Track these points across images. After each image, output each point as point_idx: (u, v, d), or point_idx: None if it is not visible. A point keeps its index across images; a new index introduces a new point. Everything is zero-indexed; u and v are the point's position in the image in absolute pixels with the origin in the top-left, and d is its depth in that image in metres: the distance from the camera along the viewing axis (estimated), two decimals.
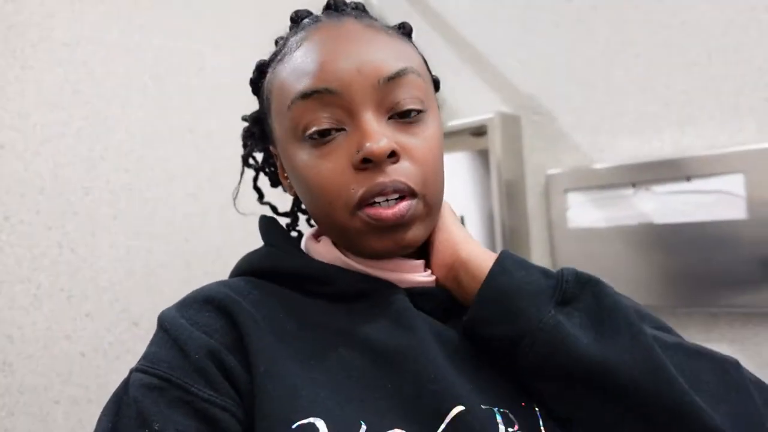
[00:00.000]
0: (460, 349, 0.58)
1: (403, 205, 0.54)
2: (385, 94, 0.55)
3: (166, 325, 0.54)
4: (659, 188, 1.29)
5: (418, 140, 0.57)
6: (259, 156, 0.74)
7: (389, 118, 0.56)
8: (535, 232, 1.53)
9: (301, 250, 0.65)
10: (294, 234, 0.74)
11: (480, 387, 0.55)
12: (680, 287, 1.28)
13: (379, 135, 0.53)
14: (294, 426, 0.47)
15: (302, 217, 0.76)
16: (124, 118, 1.20)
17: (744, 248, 1.19)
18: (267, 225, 0.67)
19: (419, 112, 0.57)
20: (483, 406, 0.52)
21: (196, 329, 0.52)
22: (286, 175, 0.64)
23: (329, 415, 0.48)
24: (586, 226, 1.40)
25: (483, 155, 1.50)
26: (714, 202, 1.23)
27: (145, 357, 0.52)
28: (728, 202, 1.21)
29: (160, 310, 0.56)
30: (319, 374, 0.52)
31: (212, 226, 1.31)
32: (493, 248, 1.35)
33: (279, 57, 0.61)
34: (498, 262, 0.56)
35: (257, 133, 0.70)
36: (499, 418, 0.52)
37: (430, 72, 0.63)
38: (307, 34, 0.59)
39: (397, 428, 0.49)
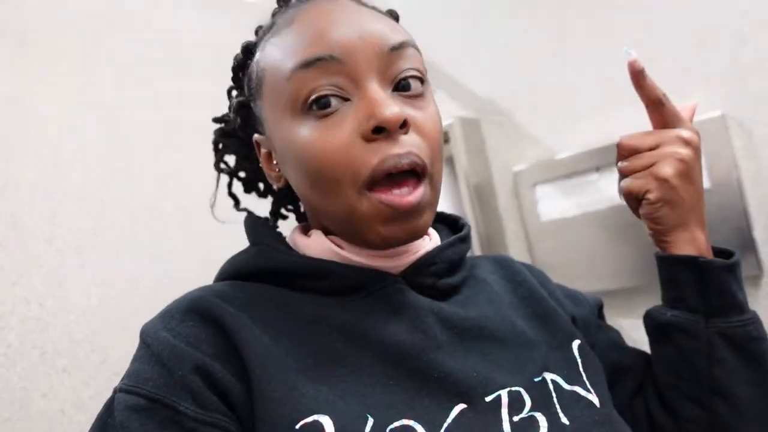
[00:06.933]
0: (465, 329, 0.56)
1: (419, 192, 0.52)
2: (389, 64, 0.54)
3: (148, 339, 0.51)
4: None
5: (424, 114, 0.55)
6: (231, 161, 0.72)
7: (393, 91, 0.54)
8: (510, 231, 1.53)
9: (290, 246, 0.62)
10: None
11: (488, 370, 0.53)
12: None
13: (390, 102, 0.52)
14: (298, 426, 0.45)
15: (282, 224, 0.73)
16: (80, 163, 1.17)
17: (714, 217, 1.20)
18: (253, 223, 0.64)
19: (422, 82, 0.56)
20: (488, 398, 0.51)
21: (180, 342, 0.50)
22: (275, 162, 0.61)
23: (334, 411, 0.47)
24: (558, 217, 1.41)
25: (448, 163, 1.50)
26: None
27: (129, 375, 0.50)
28: None
29: None
30: (318, 371, 0.50)
31: (182, 264, 1.27)
32: (471, 253, 1.33)
33: (269, 35, 0.59)
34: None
35: (239, 122, 0.65)
36: (504, 411, 0.51)
37: None
38: (298, 11, 0.57)
39: (405, 419, 0.48)
